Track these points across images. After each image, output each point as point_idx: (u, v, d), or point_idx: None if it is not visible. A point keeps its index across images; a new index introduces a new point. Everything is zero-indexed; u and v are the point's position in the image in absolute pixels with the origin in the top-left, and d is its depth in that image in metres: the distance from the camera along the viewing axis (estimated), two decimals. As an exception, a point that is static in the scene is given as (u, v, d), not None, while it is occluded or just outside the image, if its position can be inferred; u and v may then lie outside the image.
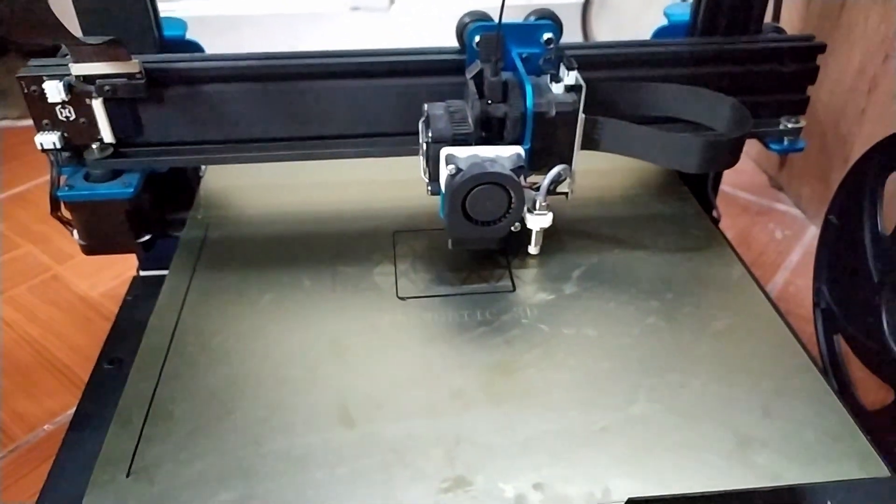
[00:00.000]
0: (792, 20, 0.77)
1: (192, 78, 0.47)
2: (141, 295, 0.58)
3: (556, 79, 0.43)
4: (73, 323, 0.66)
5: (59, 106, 0.47)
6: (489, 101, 0.43)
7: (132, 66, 0.45)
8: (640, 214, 0.54)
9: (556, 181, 0.44)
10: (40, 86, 0.46)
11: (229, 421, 0.37)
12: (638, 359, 0.41)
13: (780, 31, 0.55)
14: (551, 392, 0.39)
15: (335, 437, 0.36)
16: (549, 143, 0.44)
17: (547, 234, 0.48)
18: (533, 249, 0.48)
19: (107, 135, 0.47)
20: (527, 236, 0.48)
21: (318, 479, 0.34)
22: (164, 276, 0.47)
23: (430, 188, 0.44)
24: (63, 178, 0.49)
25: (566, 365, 0.41)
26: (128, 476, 0.35)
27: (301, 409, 0.38)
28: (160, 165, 0.50)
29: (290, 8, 1.05)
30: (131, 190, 0.48)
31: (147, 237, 0.51)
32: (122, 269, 0.71)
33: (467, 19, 0.47)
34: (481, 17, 0.46)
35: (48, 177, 0.48)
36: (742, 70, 0.52)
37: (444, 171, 0.41)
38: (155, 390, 0.39)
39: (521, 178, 0.42)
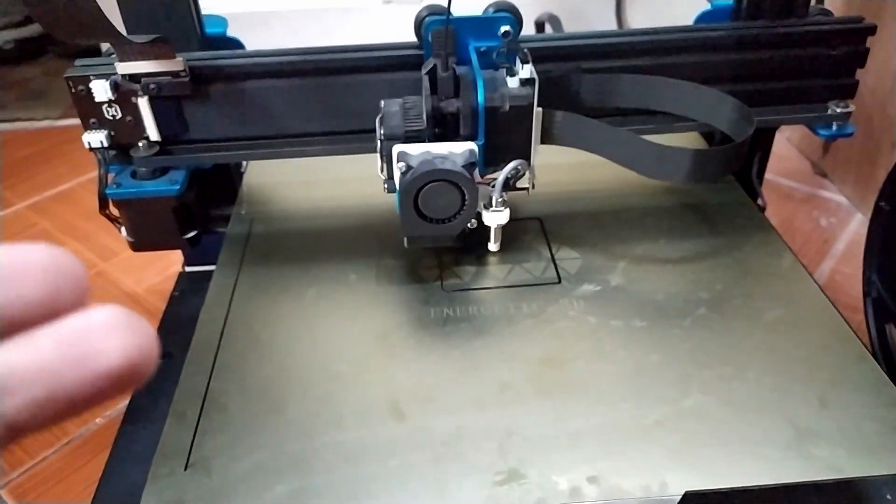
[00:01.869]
0: (836, 3, 0.75)
1: (234, 75, 0.48)
2: (187, 290, 0.59)
3: (511, 72, 0.42)
4: (119, 318, 0.67)
5: (106, 105, 0.47)
6: (442, 97, 0.43)
7: (177, 64, 0.46)
8: (683, 203, 0.53)
9: (514, 177, 0.43)
10: (87, 85, 0.46)
11: (282, 415, 0.38)
12: (688, 350, 0.40)
13: (826, 13, 0.54)
14: (601, 384, 0.38)
15: (386, 431, 0.36)
16: (505, 138, 0.43)
17: (591, 223, 0.47)
18: (493, 246, 0.48)
19: (153, 133, 0.48)
20: (486, 231, 0.46)
21: (370, 472, 0.34)
22: (209, 271, 0.48)
23: (386, 186, 0.43)
24: (110, 176, 0.50)
25: (615, 357, 0.40)
26: (185, 469, 0.35)
27: (351, 403, 0.38)
28: (205, 162, 0.50)
29: (321, 3, 1.05)
30: (177, 187, 0.49)
31: (193, 233, 0.52)
32: (165, 264, 0.72)
33: (424, 13, 0.46)
34: (439, 10, 0.45)
35: (91, 175, 0.49)
36: (789, 54, 0.51)
37: (396, 169, 0.41)
38: (208, 384, 0.40)
39: (475, 174, 0.41)
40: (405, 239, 0.44)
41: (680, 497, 0.33)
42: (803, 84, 0.52)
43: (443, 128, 0.43)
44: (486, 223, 0.45)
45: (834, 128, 0.53)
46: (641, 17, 1.05)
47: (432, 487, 0.34)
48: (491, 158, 0.43)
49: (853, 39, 0.51)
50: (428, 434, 0.36)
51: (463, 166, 0.41)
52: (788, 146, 0.88)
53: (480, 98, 0.41)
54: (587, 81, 0.47)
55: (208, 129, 0.49)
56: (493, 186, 0.43)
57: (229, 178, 0.58)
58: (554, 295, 0.45)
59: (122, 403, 0.55)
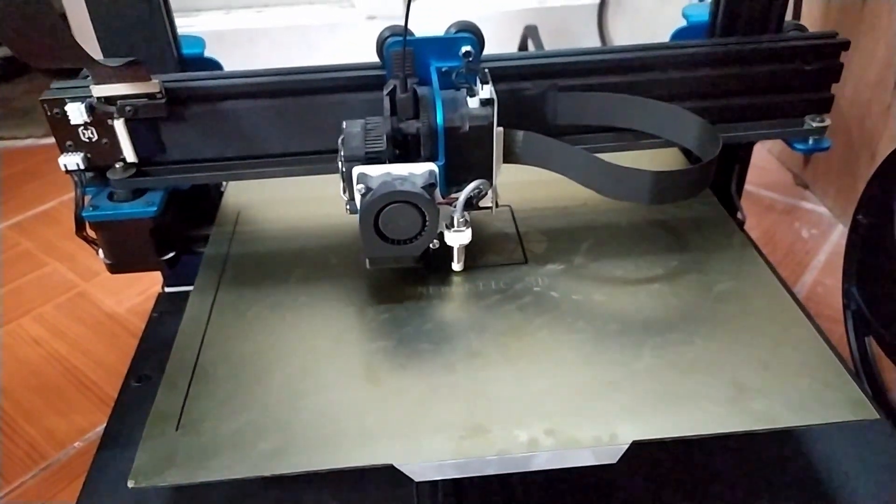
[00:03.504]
0: (812, 16, 0.76)
1: (211, 96, 0.48)
2: (166, 311, 0.58)
3: (472, 93, 0.42)
4: (99, 339, 0.67)
5: (82, 127, 0.47)
6: (402, 118, 0.43)
7: (152, 86, 0.46)
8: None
9: (476, 196, 0.44)
10: (62, 108, 0.46)
11: (265, 383, 0.40)
12: (643, 320, 0.43)
13: (801, 28, 0.54)
14: (561, 351, 0.42)
15: (363, 394, 0.39)
16: (466, 159, 0.43)
17: (559, 212, 0.51)
18: (456, 266, 0.47)
19: (129, 155, 0.48)
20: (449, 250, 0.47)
21: (348, 429, 0.37)
22: (188, 291, 0.48)
23: (348, 207, 0.43)
24: (87, 199, 0.49)
25: (575, 327, 0.43)
26: (177, 430, 0.38)
27: (330, 371, 0.41)
28: (182, 183, 0.50)
29: (305, 20, 1.05)
30: (154, 208, 0.48)
31: (171, 254, 0.52)
32: (147, 284, 0.72)
33: (386, 33, 0.46)
34: (399, 31, 0.45)
35: (73, 194, 0.48)
36: (764, 70, 0.51)
37: (356, 191, 0.41)
38: (198, 357, 0.42)
39: (436, 194, 0.42)
40: (367, 260, 0.44)
41: (628, 445, 0.36)
42: (779, 99, 0.52)
43: (404, 149, 0.43)
44: (449, 243, 0.45)
45: (811, 142, 0.53)
46: (623, 32, 1.06)
47: (405, 441, 0.36)
48: (453, 178, 0.43)
49: (827, 54, 0.52)
50: (401, 395, 0.39)
51: (423, 187, 0.41)
52: (769, 157, 0.89)
53: (439, 119, 0.41)
54: (559, 100, 0.48)
55: (185, 151, 0.49)
56: (455, 206, 0.43)
57: (208, 198, 0.57)
58: (521, 273, 0.48)
59: (100, 427, 0.54)
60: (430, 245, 0.43)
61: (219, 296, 0.47)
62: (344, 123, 0.43)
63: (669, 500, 0.42)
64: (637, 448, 0.36)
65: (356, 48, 1.05)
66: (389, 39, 0.45)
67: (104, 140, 0.48)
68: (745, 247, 0.49)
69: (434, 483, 0.40)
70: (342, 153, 0.42)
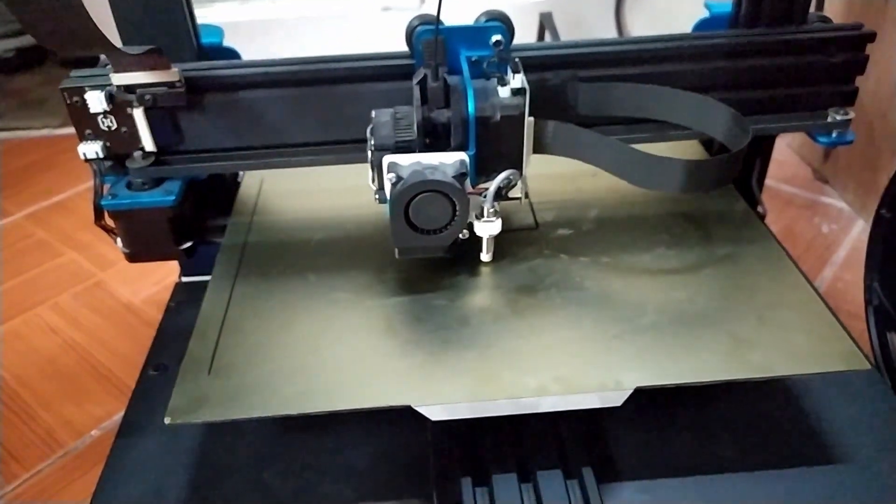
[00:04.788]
0: (835, 9, 0.75)
1: (230, 85, 0.47)
2: (184, 301, 0.58)
3: (503, 82, 0.42)
4: (116, 329, 0.67)
5: (101, 116, 0.47)
6: (432, 107, 0.42)
7: (172, 74, 0.46)
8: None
9: (506, 186, 0.43)
10: (82, 96, 0.46)
11: (290, 334, 0.43)
12: (647, 280, 0.46)
13: (825, 20, 0.53)
14: (569, 307, 0.44)
15: (382, 344, 0.42)
16: (497, 148, 0.43)
17: (570, 184, 0.53)
18: (485, 256, 0.47)
19: (148, 143, 0.48)
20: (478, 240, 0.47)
21: (367, 375, 0.40)
22: (206, 281, 0.48)
23: (377, 196, 0.43)
24: (106, 187, 0.49)
25: (583, 286, 0.46)
26: (209, 374, 0.40)
27: (350, 324, 0.44)
28: (201, 172, 0.50)
29: (320, 11, 1.05)
30: (173, 197, 0.48)
31: (189, 244, 0.52)
32: (163, 274, 0.72)
33: (415, 22, 0.45)
34: (429, 20, 0.45)
35: (89, 184, 0.48)
36: (787, 62, 0.50)
37: (387, 180, 0.41)
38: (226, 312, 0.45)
39: (466, 184, 0.41)
40: (396, 250, 0.44)
41: (631, 391, 0.38)
42: (802, 91, 0.51)
43: (433, 138, 0.43)
44: (478, 234, 0.45)
45: (834, 135, 0.52)
46: (641, 23, 1.05)
47: (421, 386, 0.39)
48: (482, 168, 0.43)
49: (852, 46, 0.51)
50: (418, 346, 0.42)
51: (454, 177, 0.41)
52: (789, 152, 0.88)
53: (471, 108, 0.41)
54: (583, 90, 0.47)
55: (204, 140, 0.49)
56: (485, 196, 0.43)
57: (226, 188, 0.57)
58: (532, 238, 0.50)
59: (116, 416, 0.55)
60: (460, 235, 0.43)
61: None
62: (373, 112, 0.43)
63: (670, 448, 0.44)
64: (639, 397, 0.38)
65: (371, 39, 1.05)
66: (419, 28, 0.45)
67: (123, 129, 0.47)
68: (749, 216, 0.51)
69: (449, 424, 0.42)
70: (372, 142, 0.42)
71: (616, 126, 0.50)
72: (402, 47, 0.48)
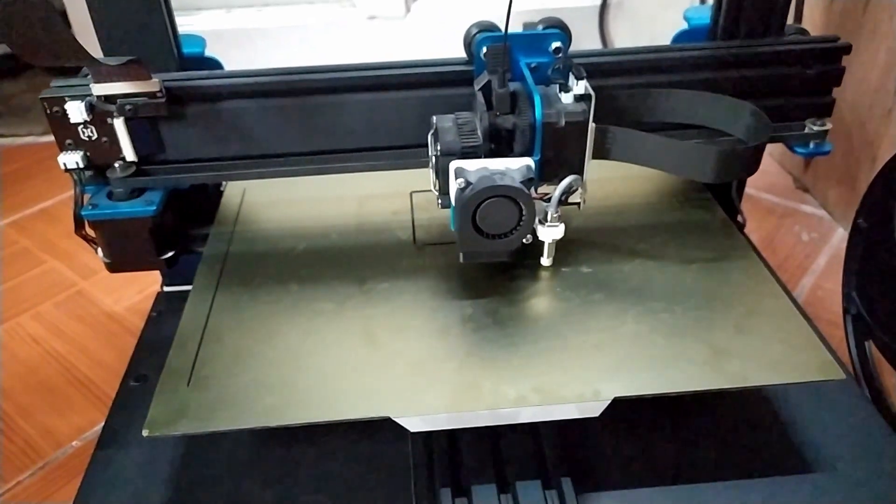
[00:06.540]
0: (814, 20, 0.76)
1: (211, 95, 0.47)
2: (165, 311, 0.58)
3: (566, 88, 0.43)
4: (98, 338, 0.67)
5: (82, 126, 0.47)
6: (498, 113, 0.43)
7: (152, 85, 0.46)
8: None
9: (568, 192, 0.44)
10: (62, 106, 0.46)
11: (270, 345, 0.43)
12: (627, 290, 0.46)
13: (803, 32, 0.54)
14: (549, 317, 0.44)
15: (362, 355, 0.42)
16: (560, 154, 0.43)
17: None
18: (546, 261, 0.48)
19: (129, 153, 0.48)
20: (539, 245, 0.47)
21: (348, 385, 0.40)
22: (188, 291, 0.48)
23: (440, 202, 0.44)
24: (86, 197, 0.49)
25: (563, 296, 0.46)
26: (188, 385, 0.40)
27: (331, 334, 0.44)
28: (182, 182, 0.50)
29: (305, 19, 1.05)
30: (154, 207, 0.48)
31: (170, 253, 0.52)
32: (146, 283, 0.72)
33: (474, 30, 0.46)
34: (488, 27, 0.46)
35: (72, 192, 0.48)
36: (765, 73, 0.51)
37: (454, 185, 0.41)
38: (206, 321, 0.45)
39: (532, 189, 0.42)
40: (461, 254, 0.45)
41: (609, 401, 0.38)
42: (780, 102, 0.52)
43: (496, 143, 0.43)
44: (541, 238, 0.45)
45: (811, 146, 0.53)
46: (624, 34, 1.06)
47: (401, 397, 0.39)
48: (544, 174, 0.44)
49: (829, 59, 0.51)
50: (398, 356, 0.42)
51: (521, 182, 0.41)
52: (770, 160, 0.89)
53: (539, 114, 0.41)
54: (620, 97, 0.48)
55: (185, 150, 0.49)
56: (548, 201, 0.44)
57: (208, 198, 0.57)
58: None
59: (97, 426, 0.54)
60: (524, 240, 0.43)
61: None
62: (434, 118, 0.43)
63: (648, 457, 0.44)
64: (618, 408, 0.38)
65: (356, 47, 1.05)
66: (479, 35, 0.45)
67: (104, 139, 0.47)
68: (728, 226, 0.52)
69: (428, 435, 0.42)
70: (437, 147, 0.42)
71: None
72: (388, 57, 0.49)
